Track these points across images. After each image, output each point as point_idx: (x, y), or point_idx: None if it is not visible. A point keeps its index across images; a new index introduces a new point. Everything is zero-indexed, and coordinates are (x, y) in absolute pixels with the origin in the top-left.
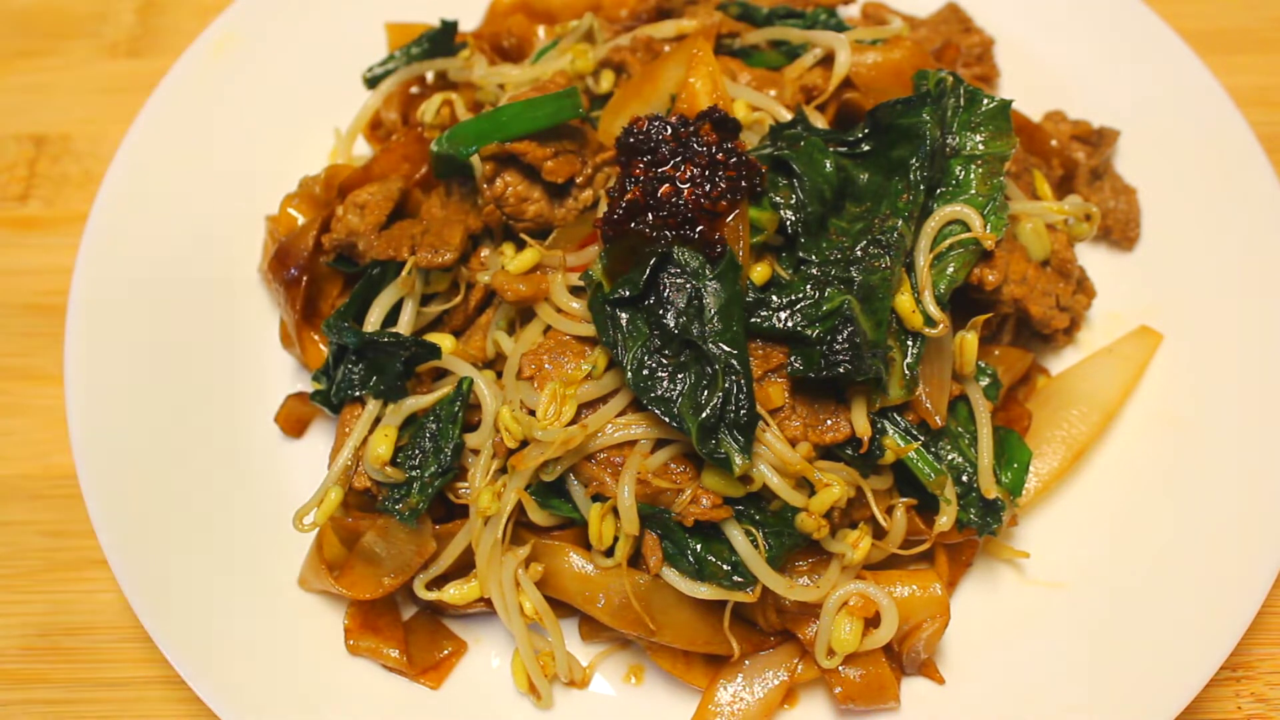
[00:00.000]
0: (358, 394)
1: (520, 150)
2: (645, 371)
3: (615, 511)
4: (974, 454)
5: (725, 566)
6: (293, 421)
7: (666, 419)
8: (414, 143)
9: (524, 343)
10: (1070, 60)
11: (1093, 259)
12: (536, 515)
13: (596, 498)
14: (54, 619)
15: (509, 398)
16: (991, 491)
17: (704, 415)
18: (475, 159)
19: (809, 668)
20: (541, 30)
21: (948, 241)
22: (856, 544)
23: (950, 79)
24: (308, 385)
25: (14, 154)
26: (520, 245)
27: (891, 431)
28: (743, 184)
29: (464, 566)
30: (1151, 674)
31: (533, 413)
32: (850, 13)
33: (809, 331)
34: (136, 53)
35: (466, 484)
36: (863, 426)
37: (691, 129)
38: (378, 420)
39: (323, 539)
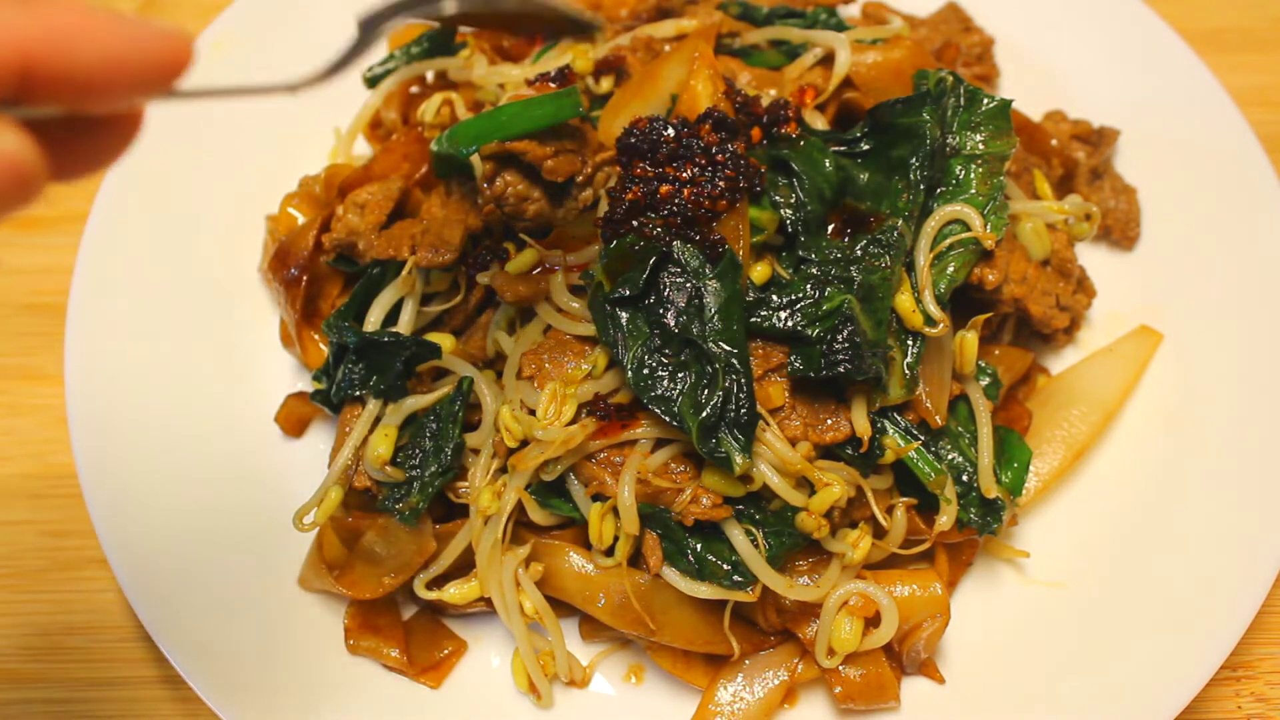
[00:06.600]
0: (358, 394)
1: (520, 150)
2: (645, 371)
3: (615, 511)
4: (974, 454)
5: (725, 566)
6: (293, 421)
7: (667, 418)
8: (414, 142)
9: (524, 342)
10: (1070, 60)
11: (1093, 259)
12: (536, 515)
13: (596, 497)
14: (54, 619)
15: (509, 397)
16: (991, 491)
17: (704, 414)
18: (475, 158)
19: (809, 667)
20: None
21: (948, 241)
22: (856, 544)
23: (950, 79)
24: (308, 385)
25: None
26: (520, 245)
27: (891, 431)
28: (742, 184)
29: (464, 566)
30: (1151, 674)
31: (533, 412)
32: (850, 12)
33: (809, 331)
34: None
35: (466, 484)
36: (863, 426)
37: (690, 130)
38: (378, 420)
39: (323, 539)
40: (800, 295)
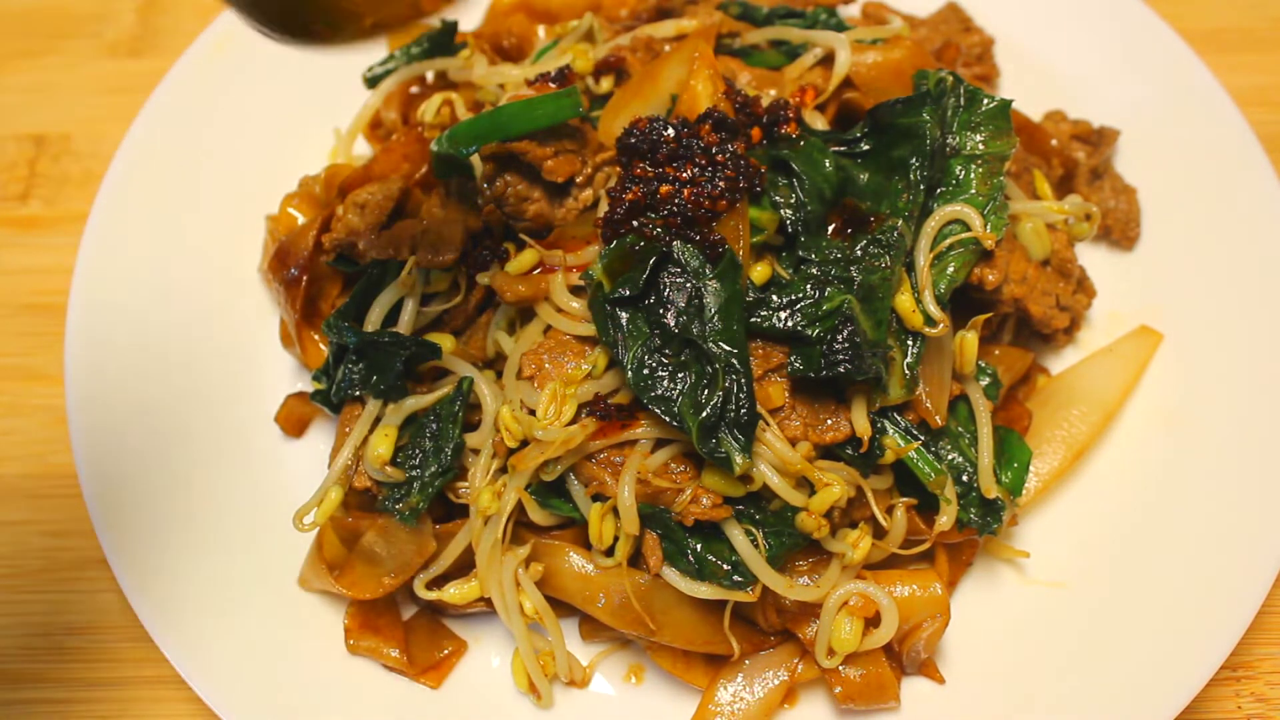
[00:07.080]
0: (358, 394)
1: (520, 150)
2: (645, 371)
3: (615, 511)
4: (974, 454)
5: (725, 566)
6: (293, 421)
7: (667, 418)
8: (414, 142)
9: (524, 342)
10: (1070, 60)
11: (1093, 259)
12: (536, 515)
13: (596, 497)
14: (54, 619)
15: (509, 397)
16: (991, 491)
17: (704, 414)
18: (475, 158)
19: (809, 667)
20: (541, 30)
21: (948, 241)
22: (856, 544)
23: (950, 79)
24: (308, 385)
25: (14, 154)
26: (520, 245)
27: (891, 431)
28: (742, 184)
29: (464, 566)
30: (1151, 674)
31: (533, 412)
32: (850, 12)
33: (809, 331)
34: (137, 53)
35: (466, 484)
36: (863, 426)
37: (690, 130)
38: (378, 420)
39: (323, 539)
40: (800, 295)
